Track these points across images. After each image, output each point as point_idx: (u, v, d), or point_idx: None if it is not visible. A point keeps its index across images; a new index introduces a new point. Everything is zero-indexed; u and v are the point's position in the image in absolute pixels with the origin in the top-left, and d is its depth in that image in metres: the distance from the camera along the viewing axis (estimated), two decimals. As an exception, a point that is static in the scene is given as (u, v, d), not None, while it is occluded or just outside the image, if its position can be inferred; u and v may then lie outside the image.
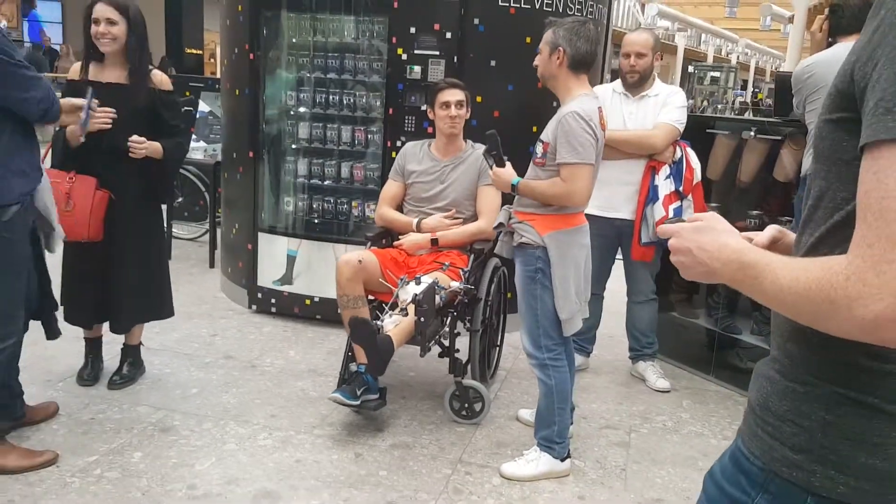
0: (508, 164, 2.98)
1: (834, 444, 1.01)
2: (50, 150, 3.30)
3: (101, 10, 3.18)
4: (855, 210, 0.90)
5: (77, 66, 3.33)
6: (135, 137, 3.25)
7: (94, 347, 3.69)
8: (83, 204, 3.23)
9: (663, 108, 3.71)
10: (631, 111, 3.76)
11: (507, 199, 3.20)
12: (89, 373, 3.63)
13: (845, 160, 0.98)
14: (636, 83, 3.76)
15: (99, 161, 3.26)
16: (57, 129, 3.27)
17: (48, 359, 3.82)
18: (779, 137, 3.88)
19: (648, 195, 3.69)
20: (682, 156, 3.74)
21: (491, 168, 3.02)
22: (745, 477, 1.11)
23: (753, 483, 1.09)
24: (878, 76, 0.90)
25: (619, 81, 3.84)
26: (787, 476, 1.04)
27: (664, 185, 3.68)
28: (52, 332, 3.20)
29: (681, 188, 3.70)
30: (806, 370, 1.04)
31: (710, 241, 1.07)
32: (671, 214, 3.64)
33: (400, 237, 3.65)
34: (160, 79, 3.39)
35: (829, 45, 3.43)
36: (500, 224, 3.04)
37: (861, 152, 0.90)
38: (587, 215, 3.66)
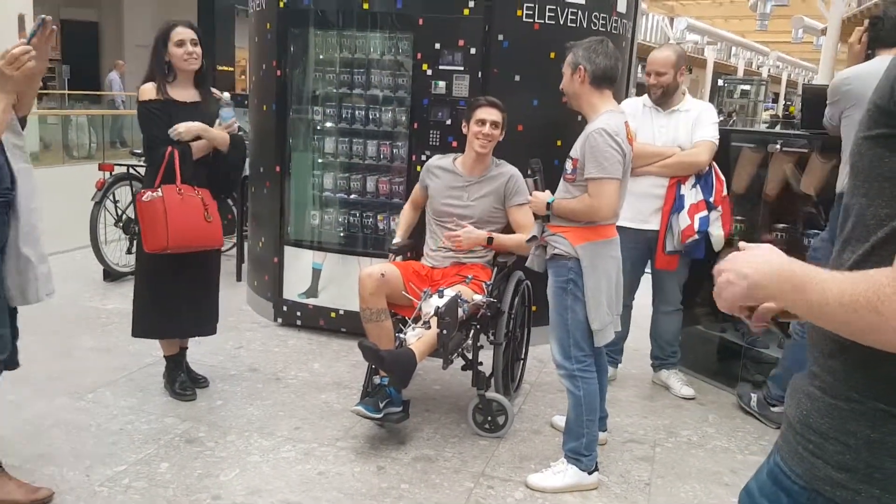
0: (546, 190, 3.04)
1: (880, 462, 0.98)
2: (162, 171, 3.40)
3: (186, 33, 3.40)
4: None
5: (151, 86, 3.42)
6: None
7: (181, 363, 3.77)
8: (216, 213, 3.52)
9: (698, 126, 3.76)
10: (661, 125, 3.78)
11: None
12: (190, 389, 3.71)
13: (887, 176, 0.97)
14: (660, 98, 3.80)
15: (192, 173, 3.45)
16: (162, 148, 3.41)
17: (77, 372, 3.89)
18: (805, 150, 3.84)
19: (674, 204, 3.73)
20: (710, 168, 3.78)
21: (531, 193, 3.08)
22: (785, 495, 1.08)
23: (795, 502, 1.06)
24: None
25: (647, 95, 3.87)
26: (831, 495, 1.01)
27: (690, 195, 3.72)
28: (12, 363, 2.70)
29: (711, 199, 3.74)
30: (850, 387, 1.02)
31: (755, 255, 1.06)
32: (697, 224, 3.69)
33: (454, 228, 3.57)
34: (217, 90, 3.64)
35: (867, 57, 3.38)
36: (534, 237, 3.06)
37: None
38: (620, 228, 3.72)
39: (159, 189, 3.35)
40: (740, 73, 28.83)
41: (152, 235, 3.35)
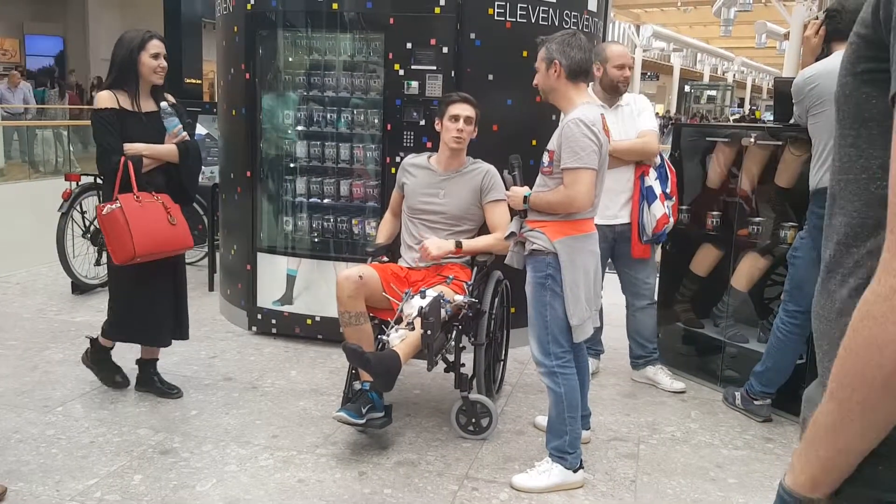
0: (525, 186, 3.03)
1: None
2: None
3: (160, 46, 3.47)
4: None
5: (108, 94, 3.41)
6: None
7: (155, 367, 3.78)
8: (180, 216, 3.52)
9: (640, 117, 3.90)
10: (612, 121, 3.76)
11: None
12: (175, 387, 3.75)
13: (878, 120, 0.85)
14: (620, 94, 3.91)
15: (147, 181, 3.46)
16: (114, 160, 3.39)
17: (46, 386, 3.78)
18: (779, 143, 3.86)
19: (642, 195, 3.83)
20: (661, 161, 3.91)
21: (508, 188, 3.07)
22: None
23: None
24: None
25: (591, 93, 3.86)
26: None
27: (656, 185, 3.85)
28: None
29: (668, 190, 3.89)
30: None
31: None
32: (668, 212, 3.85)
33: (423, 241, 3.53)
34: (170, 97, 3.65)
35: (823, 51, 3.38)
36: (512, 233, 3.02)
37: (892, 105, 0.78)
38: None
39: (117, 200, 3.33)
40: (706, 79, 29.23)
41: (119, 247, 3.33)
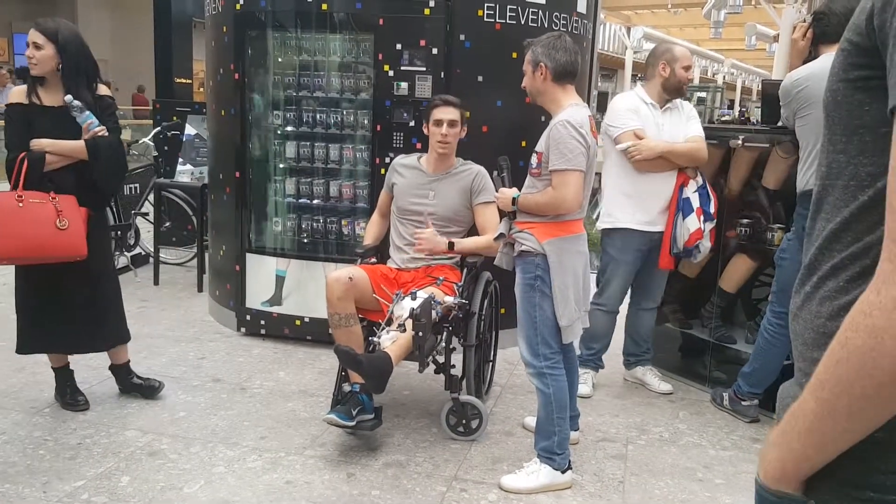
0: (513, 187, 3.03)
1: (892, 465, 0.85)
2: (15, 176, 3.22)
3: (30, 35, 3.24)
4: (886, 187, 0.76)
5: (21, 89, 3.31)
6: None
7: (69, 376, 3.60)
8: (76, 221, 3.25)
9: (690, 122, 3.79)
10: (663, 122, 3.76)
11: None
12: (81, 396, 3.57)
13: (869, 127, 0.84)
14: (682, 95, 3.83)
15: (50, 178, 3.27)
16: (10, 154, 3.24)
17: (35, 385, 3.76)
18: (766, 145, 3.88)
19: (678, 206, 3.70)
20: (703, 181, 3.78)
21: (496, 190, 3.07)
22: None
23: None
24: None
25: (643, 91, 3.81)
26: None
27: (694, 198, 3.71)
28: None
29: (711, 210, 3.74)
30: None
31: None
32: (704, 227, 3.69)
33: (417, 232, 3.52)
34: (102, 89, 3.43)
35: (811, 53, 3.38)
36: (501, 234, 3.03)
37: (891, 117, 0.77)
38: (629, 230, 3.68)
39: None
40: (696, 81, 29.29)
41: None
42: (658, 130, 3.73)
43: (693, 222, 3.67)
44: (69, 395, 3.56)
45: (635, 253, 3.78)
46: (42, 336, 3.43)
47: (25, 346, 3.46)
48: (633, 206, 3.72)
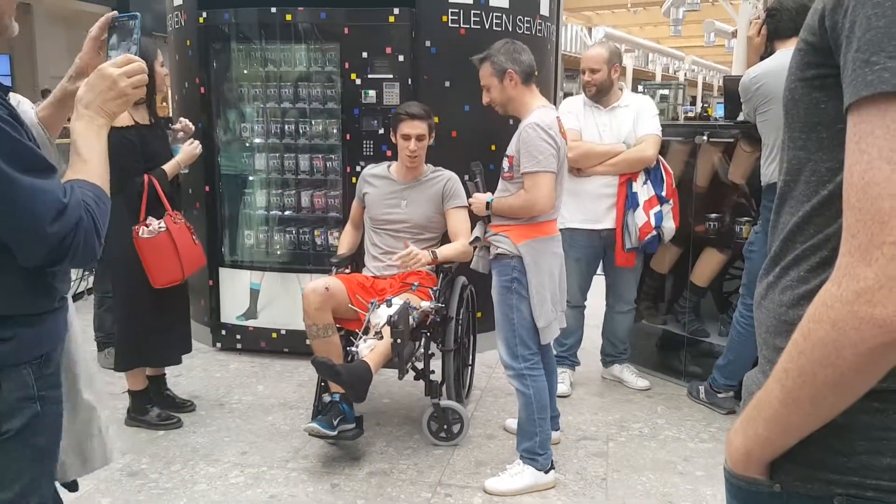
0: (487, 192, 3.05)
1: (852, 448, 0.87)
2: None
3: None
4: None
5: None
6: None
7: (162, 384, 3.75)
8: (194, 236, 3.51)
9: (640, 120, 3.78)
10: (605, 122, 3.78)
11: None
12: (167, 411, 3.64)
13: (826, 124, 0.87)
14: (596, 96, 3.80)
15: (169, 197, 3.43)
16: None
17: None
18: (731, 140, 3.94)
19: (627, 202, 3.73)
20: (657, 162, 3.80)
21: (470, 195, 3.08)
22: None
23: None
24: (850, 23, 0.78)
25: (583, 94, 3.88)
26: (806, 491, 0.90)
27: (642, 192, 3.74)
28: None
29: (663, 193, 3.77)
30: None
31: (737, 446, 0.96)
32: (653, 220, 3.71)
33: (399, 256, 3.41)
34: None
35: (766, 49, 3.44)
36: (477, 238, 3.04)
37: (847, 115, 0.79)
38: (572, 229, 3.70)
39: (161, 222, 3.29)
40: (658, 79, 29.64)
41: (163, 271, 3.31)
42: (598, 131, 3.77)
43: (641, 217, 3.69)
44: (156, 416, 3.59)
45: (583, 251, 3.83)
46: (154, 350, 3.52)
47: (131, 359, 3.51)
48: (576, 205, 3.77)
